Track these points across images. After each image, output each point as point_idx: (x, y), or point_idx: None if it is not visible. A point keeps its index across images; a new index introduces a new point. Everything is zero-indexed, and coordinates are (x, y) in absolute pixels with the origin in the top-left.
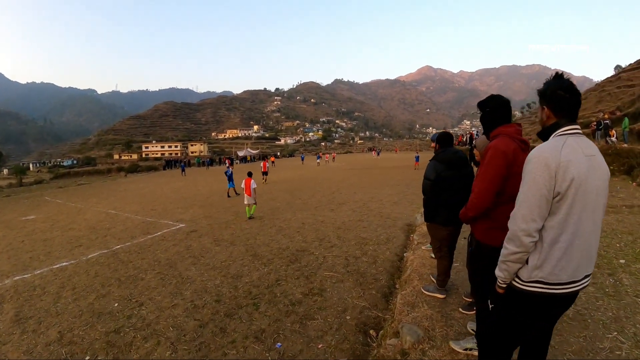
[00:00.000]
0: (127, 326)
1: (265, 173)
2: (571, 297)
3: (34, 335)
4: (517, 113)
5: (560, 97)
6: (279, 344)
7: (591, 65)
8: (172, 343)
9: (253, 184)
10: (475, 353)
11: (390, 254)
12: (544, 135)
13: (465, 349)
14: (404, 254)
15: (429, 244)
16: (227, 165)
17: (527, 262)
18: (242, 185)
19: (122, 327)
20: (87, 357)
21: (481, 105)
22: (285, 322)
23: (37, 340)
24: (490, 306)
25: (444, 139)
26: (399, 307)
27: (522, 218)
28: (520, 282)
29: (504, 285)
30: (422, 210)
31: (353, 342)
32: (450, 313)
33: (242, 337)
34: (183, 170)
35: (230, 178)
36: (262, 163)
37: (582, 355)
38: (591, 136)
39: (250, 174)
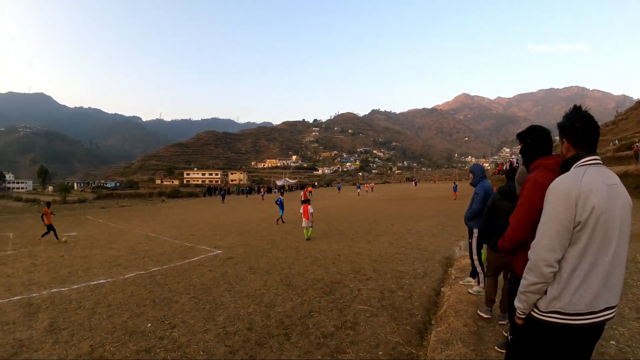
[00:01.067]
0: (158, 346)
1: (304, 201)
2: (594, 329)
3: (66, 346)
4: (557, 138)
5: (579, 129)
6: None
7: (631, 82)
8: None
9: (310, 209)
10: None
11: (427, 288)
12: (565, 168)
13: None
14: (442, 289)
15: (466, 279)
16: (262, 193)
17: (545, 292)
18: (301, 211)
19: (153, 347)
20: None
21: (521, 136)
22: (316, 354)
23: (68, 352)
24: (508, 337)
25: (510, 174)
26: (432, 345)
27: (542, 248)
28: (538, 312)
29: (523, 316)
30: (461, 243)
31: None
32: (486, 352)
33: None
34: (223, 198)
35: (281, 206)
36: (302, 192)
37: None
38: (634, 159)
39: (307, 201)
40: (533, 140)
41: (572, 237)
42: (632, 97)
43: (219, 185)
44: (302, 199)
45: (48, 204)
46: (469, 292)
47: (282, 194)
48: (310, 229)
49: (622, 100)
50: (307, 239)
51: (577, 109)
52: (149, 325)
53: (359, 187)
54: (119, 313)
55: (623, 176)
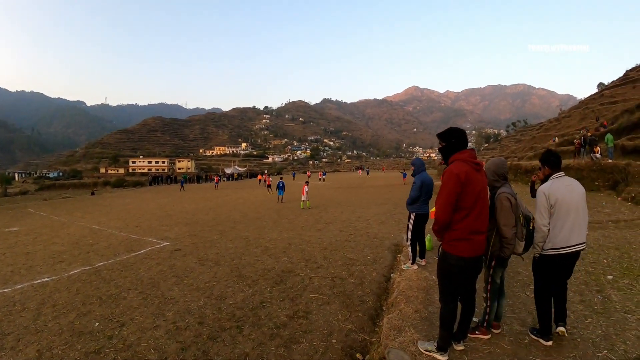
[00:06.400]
0: (107, 347)
1: (269, 186)
2: (572, 255)
3: (12, 352)
4: (502, 132)
5: (552, 160)
6: None
7: (574, 83)
8: None
9: (306, 188)
10: (434, 355)
11: (377, 274)
12: (545, 181)
13: (427, 350)
14: (391, 275)
15: (407, 264)
16: (216, 181)
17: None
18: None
19: (102, 348)
20: None
21: (443, 136)
22: (270, 345)
23: (15, 358)
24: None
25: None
26: (385, 331)
27: (539, 218)
28: (544, 251)
29: (538, 255)
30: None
31: None
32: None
33: None
34: (182, 185)
35: (282, 188)
36: (264, 178)
37: None
38: (574, 153)
39: (307, 182)
40: (456, 140)
41: (550, 212)
42: (575, 97)
43: (166, 174)
44: (267, 183)
45: None
46: (402, 268)
47: (281, 178)
48: (307, 202)
49: (566, 99)
50: (302, 209)
51: (549, 151)
52: (97, 324)
53: (324, 174)
54: (65, 313)
55: (565, 169)
